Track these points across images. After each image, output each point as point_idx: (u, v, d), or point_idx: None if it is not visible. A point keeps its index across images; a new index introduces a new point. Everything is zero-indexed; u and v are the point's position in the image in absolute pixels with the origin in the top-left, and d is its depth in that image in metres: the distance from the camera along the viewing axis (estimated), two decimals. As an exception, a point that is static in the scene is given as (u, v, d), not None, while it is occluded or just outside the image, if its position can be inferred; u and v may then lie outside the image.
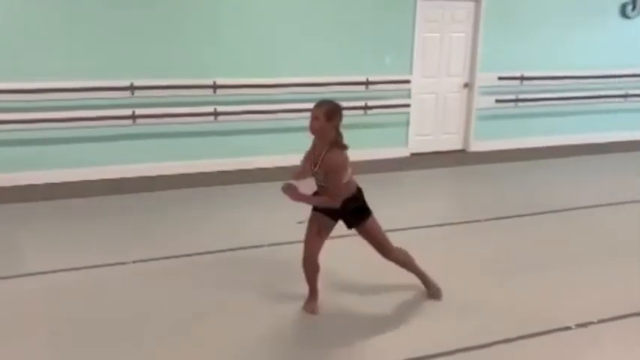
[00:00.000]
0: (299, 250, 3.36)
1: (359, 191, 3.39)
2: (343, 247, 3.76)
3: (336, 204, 3.18)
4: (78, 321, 3.26)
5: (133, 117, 5.87)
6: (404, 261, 3.47)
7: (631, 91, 7.83)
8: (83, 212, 5.04)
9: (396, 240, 4.51)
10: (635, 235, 4.67)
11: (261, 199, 5.39)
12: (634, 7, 7.55)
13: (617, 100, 7.79)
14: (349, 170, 3.28)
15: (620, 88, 7.77)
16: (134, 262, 3.98)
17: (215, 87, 6.12)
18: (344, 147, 3.25)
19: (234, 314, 3.38)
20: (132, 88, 5.81)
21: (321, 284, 3.42)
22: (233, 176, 6.13)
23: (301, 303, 3.43)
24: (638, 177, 6.38)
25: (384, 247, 3.39)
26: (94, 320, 3.27)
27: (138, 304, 3.47)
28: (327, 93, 6.49)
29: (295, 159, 6.42)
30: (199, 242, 4.34)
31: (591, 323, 3.28)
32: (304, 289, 3.41)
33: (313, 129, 3.24)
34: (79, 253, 4.10)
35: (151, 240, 4.41)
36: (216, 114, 6.18)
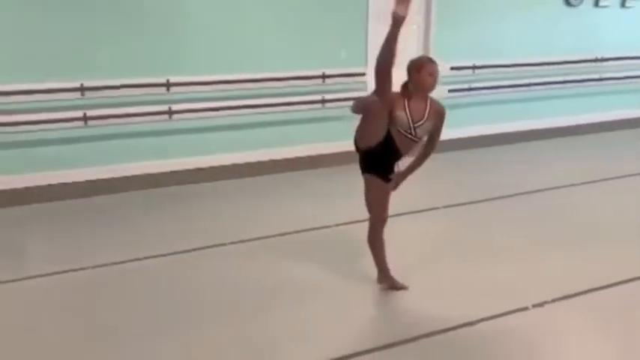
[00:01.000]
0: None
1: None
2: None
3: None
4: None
5: (85, 119, 5.71)
6: (370, 241, 3.49)
7: (575, 77, 8.11)
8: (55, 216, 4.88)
9: (359, 230, 4.59)
10: (590, 215, 4.85)
11: (222, 197, 5.35)
12: (577, -5, 7.82)
13: (564, 85, 8.06)
14: None
15: (566, 74, 8.04)
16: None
17: (168, 85, 6.01)
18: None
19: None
20: (82, 89, 5.65)
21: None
22: (188, 175, 6.05)
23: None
24: (587, 159, 6.63)
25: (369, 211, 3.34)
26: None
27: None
28: (283, 87, 6.50)
29: (254, 155, 6.52)
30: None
31: (546, 302, 3.40)
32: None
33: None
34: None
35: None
36: (170, 112, 6.07)
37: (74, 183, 5.72)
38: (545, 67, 7.82)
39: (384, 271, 3.51)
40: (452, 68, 7.27)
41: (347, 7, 6.66)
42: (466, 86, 7.43)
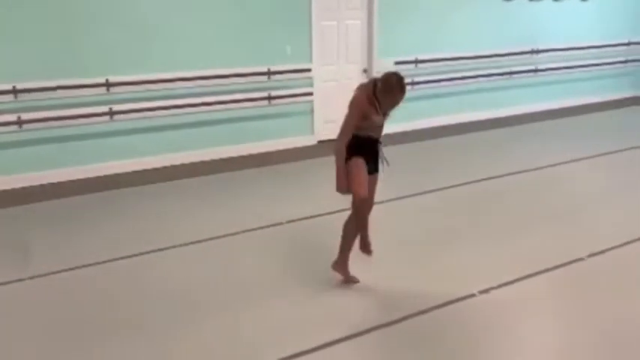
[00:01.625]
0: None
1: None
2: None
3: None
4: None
5: (19, 122, 5.45)
6: (347, 227, 3.51)
7: (515, 69, 8.41)
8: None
9: (315, 225, 4.59)
10: (526, 204, 5.03)
11: (168, 198, 5.23)
12: (512, -10, 8.10)
13: (503, 77, 8.34)
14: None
15: (506, 66, 8.32)
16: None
17: (108, 85, 5.81)
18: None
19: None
20: (15, 91, 5.38)
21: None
22: (132, 177, 5.89)
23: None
24: (524, 149, 6.87)
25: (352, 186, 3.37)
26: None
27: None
28: (229, 85, 6.42)
29: (200, 155, 6.41)
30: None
31: (492, 288, 3.51)
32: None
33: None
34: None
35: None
36: (111, 113, 5.88)
37: (12, 190, 5.46)
38: (485, 59, 8.07)
39: (344, 260, 3.52)
40: (396, 63, 7.38)
41: (290, 2, 6.64)
42: (409, 80, 7.56)
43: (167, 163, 6.26)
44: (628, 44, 9.45)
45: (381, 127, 3.46)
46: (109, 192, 5.47)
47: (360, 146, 3.38)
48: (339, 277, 3.64)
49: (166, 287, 3.66)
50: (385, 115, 3.43)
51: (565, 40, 8.77)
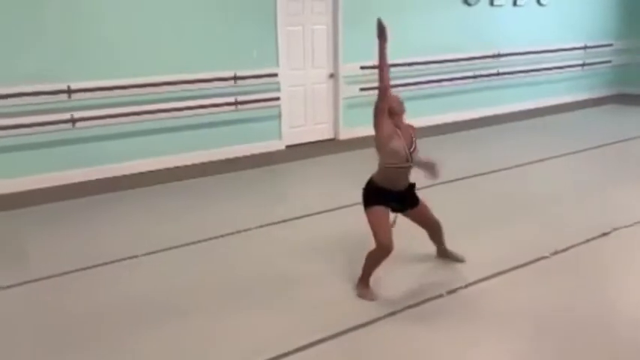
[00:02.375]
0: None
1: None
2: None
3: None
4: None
5: (-24, 131, 5.27)
6: (367, 262, 3.46)
7: (478, 72, 8.58)
8: None
9: (285, 229, 4.57)
10: (493, 201, 5.13)
11: (134, 206, 5.13)
12: (474, -5, 8.28)
13: (467, 80, 8.50)
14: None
15: (470, 70, 8.48)
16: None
17: (70, 92, 5.68)
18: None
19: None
20: (-28, 98, 5.22)
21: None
22: (94, 186, 5.76)
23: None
24: (485, 150, 7.01)
25: (375, 239, 3.37)
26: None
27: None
28: (195, 90, 6.35)
29: (166, 161, 6.32)
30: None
31: (460, 288, 3.56)
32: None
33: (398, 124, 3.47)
34: None
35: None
36: (73, 120, 5.74)
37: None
38: (450, 63, 8.21)
39: (366, 283, 3.47)
40: (362, 67, 7.44)
41: (255, 7, 6.62)
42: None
43: (132, 171, 6.14)
44: (584, 48, 9.76)
45: (405, 170, 3.41)
46: (72, 201, 5.33)
47: (381, 195, 3.39)
48: (314, 279, 3.63)
49: (134, 295, 3.57)
50: (410, 145, 3.39)
51: (525, 44, 9.00)
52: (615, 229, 4.36)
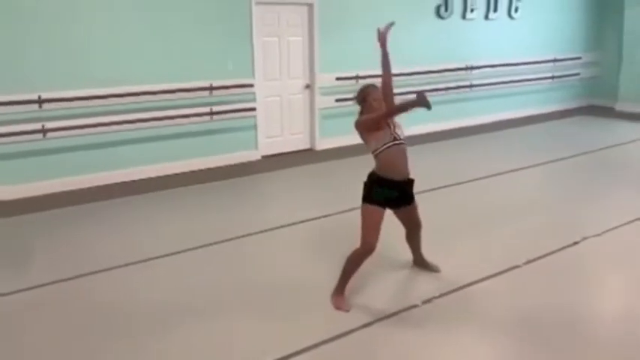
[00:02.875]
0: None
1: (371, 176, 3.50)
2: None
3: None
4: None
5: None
6: (347, 264, 3.45)
7: (451, 85, 8.71)
8: None
9: (261, 241, 4.55)
10: (477, 209, 5.20)
11: (107, 218, 5.06)
12: (446, 8, 8.43)
13: (440, 92, 8.62)
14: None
15: (442, 82, 8.61)
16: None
17: (41, 102, 5.58)
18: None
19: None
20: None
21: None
22: (67, 197, 5.66)
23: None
24: (451, 162, 7.12)
25: (361, 236, 3.38)
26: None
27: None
28: (171, 100, 6.31)
29: (140, 172, 6.25)
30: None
31: (434, 298, 3.59)
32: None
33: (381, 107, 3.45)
34: None
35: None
36: (44, 131, 5.64)
37: None
38: (423, 76, 8.31)
39: (342, 289, 3.49)
40: (337, 79, 7.50)
41: (231, 18, 6.63)
42: (351, 95, 7.66)
43: (106, 182, 6.06)
44: (554, 61, 10.01)
45: (401, 152, 3.45)
46: (41, 213, 5.23)
47: (383, 188, 3.42)
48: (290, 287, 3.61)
49: (109, 309, 3.51)
50: (391, 125, 3.44)
51: (497, 57, 9.19)
52: (585, 238, 4.46)
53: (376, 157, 3.46)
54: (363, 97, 3.55)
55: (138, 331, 3.29)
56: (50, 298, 3.69)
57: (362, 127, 3.46)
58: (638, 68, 9.94)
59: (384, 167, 3.44)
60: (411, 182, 3.58)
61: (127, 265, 4.11)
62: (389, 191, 3.43)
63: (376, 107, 3.43)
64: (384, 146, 3.40)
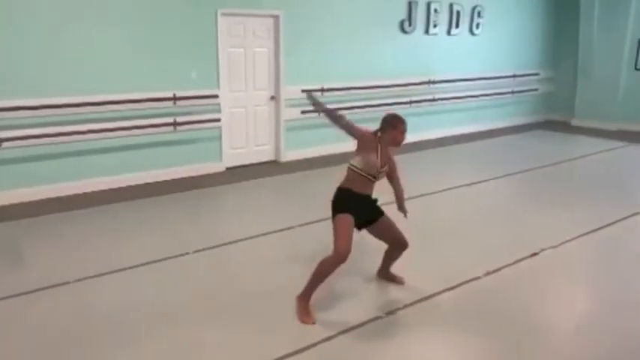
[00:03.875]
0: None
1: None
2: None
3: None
4: None
5: None
6: (318, 270, 3.44)
7: (413, 98, 8.85)
8: None
9: (225, 253, 4.51)
10: (437, 221, 5.27)
11: (65, 230, 4.92)
12: (410, 23, 8.59)
13: (403, 105, 8.74)
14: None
15: (405, 96, 8.74)
16: None
17: (-3, 110, 5.42)
18: None
19: None
20: None
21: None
22: (23, 209, 5.49)
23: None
24: (420, 174, 7.24)
25: (334, 245, 3.42)
26: None
27: None
28: (133, 110, 6.21)
29: (101, 183, 6.11)
30: None
31: (398, 309, 3.62)
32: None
33: (397, 144, 3.69)
34: None
35: None
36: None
37: None
38: (386, 89, 8.43)
39: (307, 297, 3.47)
40: (303, 90, 7.49)
41: (197, 28, 6.59)
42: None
43: (66, 193, 5.90)
44: (514, 76, 10.31)
45: (373, 178, 3.56)
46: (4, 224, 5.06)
47: (351, 200, 3.51)
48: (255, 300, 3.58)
49: (71, 321, 3.41)
50: (383, 165, 3.56)
51: (458, 71, 9.40)
52: (543, 250, 4.58)
53: (352, 171, 3.57)
54: (398, 129, 3.65)
55: (102, 343, 3.21)
56: (7, 312, 3.56)
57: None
58: (593, 84, 10.35)
59: (352, 182, 3.57)
60: (374, 201, 3.69)
61: (86, 278, 4.00)
62: (354, 202, 3.53)
63: (398, 140, 3.67)
64: (362, 173, 3.54)
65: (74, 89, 5.82)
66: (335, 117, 3.69)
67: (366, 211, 3.61)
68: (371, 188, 3.63)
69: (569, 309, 3.80)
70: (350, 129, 3.60)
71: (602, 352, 3.22)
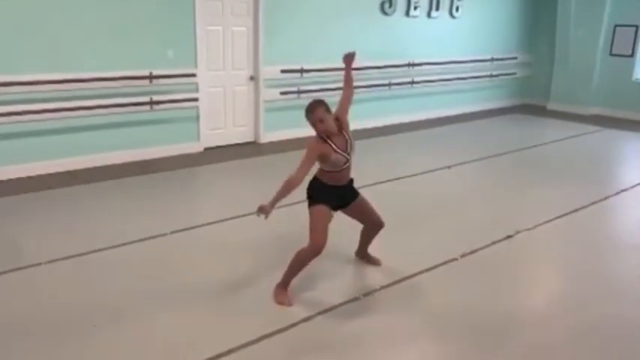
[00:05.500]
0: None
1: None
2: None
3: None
4: None
5: None
6: (294, 260, 3.43)
7: (393, 81, 8.85)
8: None
9: (199, 235, 4.48)
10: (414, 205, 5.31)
11: (46, 208, 4.83)
12: (390, 5, 8.54)
13: (383, 88, 8.75)
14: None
15: (385, 78, 8.73)
16: None
17: (-34, 86, 5.25)
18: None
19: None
20: None
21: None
22: (6, 186, 5.37)
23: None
24: (393, 157, 7.27)
25: (310, 237, 3.39)
26: None
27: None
28: (108, 88, 6.08)
29: (77, 162, 6.00)
30: None
31: (375, 290, 3.66)
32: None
33: (325, 130, 3.34)
34: None
35: None
36: (-29, 117, 5.32)
37: None
38: (366, 71, 8.41)
39: (285, 285, 3.46)
40: (282, 71, 7.45)
41: (174, 4, 6.45)
42: (295, 89, 7.67)
43: (40, 172, 5.78)
44: (492, 60, 10.37)
45: (347, 168, 3.48)
46: None
47: (326, 191, 3.44)
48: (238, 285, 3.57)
49: (56, 302, 3.36)
50: (345, 148, 3.42)
51: (438, 54, 9.41)
52: (518, 232, 4.66)
53: (326, 172, 3.46)
54: (310, 122, 3.44)
55: (53, 335, 3.16)
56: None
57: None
58: (569, 69, 10.47)
59: (330, 179, 3.48)
60: (350, 181, 3.62)
61: (40, 264, 3.93)
62: (330, 195, 3.48)
63: (320, 129, 3.37)
64: (336, 170, 3.44)
65: (48, 67, 5.67)
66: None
67: (341, 197, 3.56)
68: (345, 176, 3.53)
69: (542, 291, 3.89)
70: (304, 173, 3.33)
71: (570, 339, 3.30)
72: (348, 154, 3.44)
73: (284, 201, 3.31)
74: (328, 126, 3.34)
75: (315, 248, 3.37)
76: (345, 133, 3.48)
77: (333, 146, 3.38)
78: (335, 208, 3.58)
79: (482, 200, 5.58)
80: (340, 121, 3.48)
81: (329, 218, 3.46)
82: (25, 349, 2.96)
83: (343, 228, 3.90)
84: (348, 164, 3.48)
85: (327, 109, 3.40)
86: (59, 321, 3.23)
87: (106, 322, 3.23)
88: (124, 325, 3.20)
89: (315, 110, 3.35)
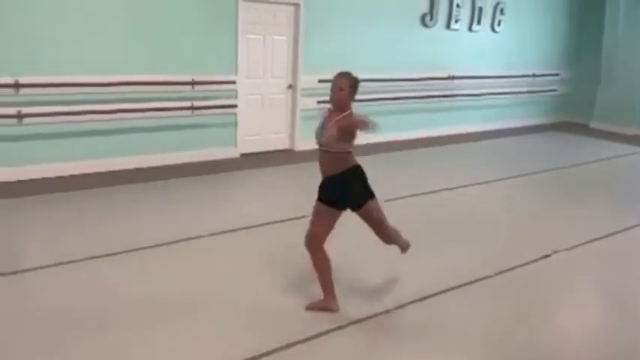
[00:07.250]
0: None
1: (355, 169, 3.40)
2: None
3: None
4: None
5: None
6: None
7: (431, 93, 8.78)
8: None
9: (238, 238, 4.51)
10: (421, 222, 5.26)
11: (86, 207, 4.97)
12: (431, 18, 8.51)
13: (420, 100, 8.68)
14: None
15: (423, 90, 8.67)
16: None
17: (17, 86, 5.45)
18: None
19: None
20: None
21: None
22: (43, 184, 5.55)
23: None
24: (429, 170, 7.20)
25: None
26: None
27: None
28: (151, 93, 6.23)
29: (119, 163, 6.15)
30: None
31: (406, 304, 3.62)
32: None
33: (338, 100, 3.31)
34: None
35: None
36: (20, 116, 5.52)
37: None
38: (404, 82, 8.37)
39: (326, 292, 3.42)
40: (320, 81, 7.47)
41: (217, 13, 6.58)
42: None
43: (82, 171, 5.95)
44: (533, 76, 10.20)
45: (324, 157, 3.42)
46: (15, 199, 5.12)
47: (320, 187, 3.44)
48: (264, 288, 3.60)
49: (74, 302, 3.46)
50: (324, 126, 3.39)
51: (478, 68, 9.32)
52: (556, 252, 4.55)
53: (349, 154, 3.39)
54: (332, 84, 3.39)
55: (125, 326, 3.25)
56: None
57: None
58: (615, 89, 10.20)
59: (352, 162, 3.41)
60: (335, 179, 3.37)
61: (64, 263, 4.04)
62: (320, 188, 3.46)
63: (337, 96, 3.36)
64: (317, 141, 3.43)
65: (96, 69, 5.85)
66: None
67: (323, 190, 3.43)
68: (327, 164, 3.36)
69: (578, 313, 3.78)
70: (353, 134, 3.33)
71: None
72: (322, 135, 3.34)
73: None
74: (342, 98, 3.32)
75: (306, 236, 3.43)
76: (333, 123, 3.32)
77: (327, 116, 3.42)
78: (338, 207, 3.41)
79: (518, 218, 5.47)
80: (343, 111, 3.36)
81: (321, 214, 3.39)
82: (96, 340, 3.05)
83: (365, 243, 3.86)
84: (322, 144, 3.34)
85: (352, 86, 3.37)
86: (121, 312, 3.32)
87: (168, 315, 3.29)
88: (194, 314, 3.26)
89: (344, 77, 3.38)
